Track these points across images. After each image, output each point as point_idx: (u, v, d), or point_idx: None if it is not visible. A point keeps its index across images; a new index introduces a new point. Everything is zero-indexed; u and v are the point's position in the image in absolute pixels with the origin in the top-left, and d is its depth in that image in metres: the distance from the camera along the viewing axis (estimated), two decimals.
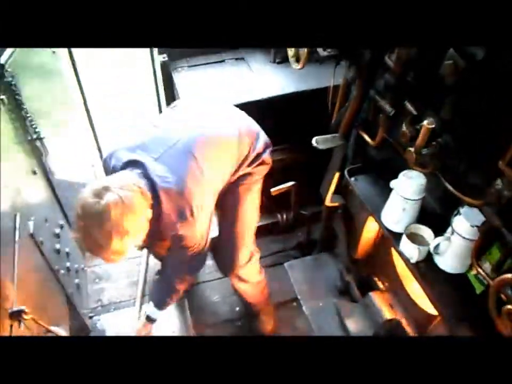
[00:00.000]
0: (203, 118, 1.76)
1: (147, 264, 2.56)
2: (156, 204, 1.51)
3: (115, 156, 1.62)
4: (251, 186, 1.90)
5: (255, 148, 1.80)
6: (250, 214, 1.96)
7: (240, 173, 1.81)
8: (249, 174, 1.85)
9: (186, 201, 1.54)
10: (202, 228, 1.67)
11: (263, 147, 1.84)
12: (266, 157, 1.86)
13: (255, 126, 1.86)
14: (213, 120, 1.77)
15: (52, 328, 1.57)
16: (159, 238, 1.74)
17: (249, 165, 1.81)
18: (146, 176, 1.51)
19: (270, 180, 2.36)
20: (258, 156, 1.83)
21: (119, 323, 2.32)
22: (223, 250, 2.03)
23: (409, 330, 2.06)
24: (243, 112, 1.88)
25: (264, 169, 1.90)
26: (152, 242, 2.02)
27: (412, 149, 1.39)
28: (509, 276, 0.95)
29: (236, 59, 2.67)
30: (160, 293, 1.97)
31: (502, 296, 0.99)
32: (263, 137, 1.86)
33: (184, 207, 1.55)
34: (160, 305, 1.95)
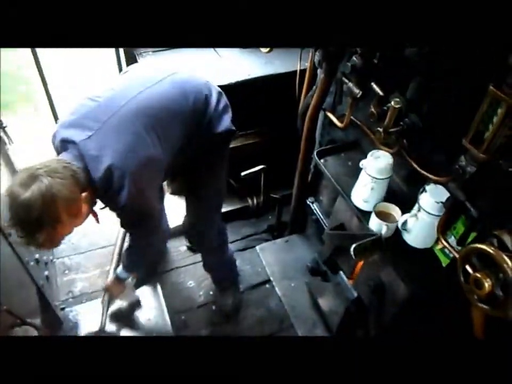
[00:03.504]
0: (145, 83, 1.58)
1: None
2: (93, 185, 1.45)
3: (56, 134, 1.52)
4: (216, 163, 1.87)
5: (208, 108, 1.69)
6: (216, 193, 1.97)
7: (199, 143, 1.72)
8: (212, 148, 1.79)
9: (120, 180, 1.44)
10: (147, 205, 1.61)
11: (218, 108, 1.73)
12: (225, 119, 1.75)
13: (204, 88, 1.70)
14: (157, 85, 1.59)
15: (26, 320, 1.54)
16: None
17: (205, 129, 1.71)
18: (81, 157, 1.43)
19: (239, 164, 2.38)
20: (215, 119, 1.72)
21: (91, 314, 2.30)
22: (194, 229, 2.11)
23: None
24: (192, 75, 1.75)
25: (225, 137, 1.79)
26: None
27: (380, 129, 1.43)
28: (475, 245, 1.01)
29: None
30: (129, 258, 1.98)
31: (467, 267, 1.05)
32: (217, 98, 1.74)
33: (117, 186, 1.45)
34: (129, 269, 2.01)
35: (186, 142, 1.66)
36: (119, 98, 1.52)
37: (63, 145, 1.48)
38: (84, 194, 1.44)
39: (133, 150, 1.46)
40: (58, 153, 1.51)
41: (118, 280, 2.06)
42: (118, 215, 1.64)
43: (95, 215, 1.63)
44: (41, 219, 1.33)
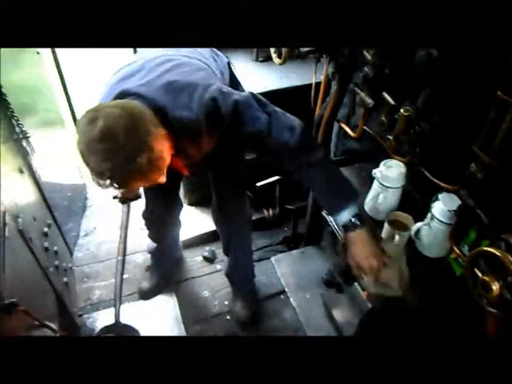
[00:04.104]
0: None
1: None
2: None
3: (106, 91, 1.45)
4: None
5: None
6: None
7: None
8: None
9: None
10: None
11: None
12: None
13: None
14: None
15: (44, 322, 1.58)
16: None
17: None
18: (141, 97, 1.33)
19: (255, 175, 2.42)
20: None
21: (108, 321, 2.34)
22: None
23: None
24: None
25: None
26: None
27: (391, 137, 1.45)
28: (482, 248, 1.01)
29: None
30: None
31: (476, 270, 1.05)
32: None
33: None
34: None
35: None
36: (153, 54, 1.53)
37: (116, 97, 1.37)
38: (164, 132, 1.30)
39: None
40: None
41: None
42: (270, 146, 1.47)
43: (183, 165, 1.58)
44: (129, 143, 1.18)
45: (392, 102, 1.49)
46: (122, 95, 1.36)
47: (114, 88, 1.41)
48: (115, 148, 1.17)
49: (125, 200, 1.88)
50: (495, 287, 0.97)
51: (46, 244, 2.02)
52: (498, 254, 0.95)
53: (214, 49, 1.81)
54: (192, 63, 1.51)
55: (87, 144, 1.18)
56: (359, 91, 1.68)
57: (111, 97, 1.37)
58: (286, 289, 2.53)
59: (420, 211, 1.64)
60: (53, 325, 1.74)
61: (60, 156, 2.69)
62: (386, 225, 1.66)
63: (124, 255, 2.02)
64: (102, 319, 2.34)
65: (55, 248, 2.14)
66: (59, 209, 2.47)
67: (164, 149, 1.30)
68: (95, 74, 4.07)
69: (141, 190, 1.94)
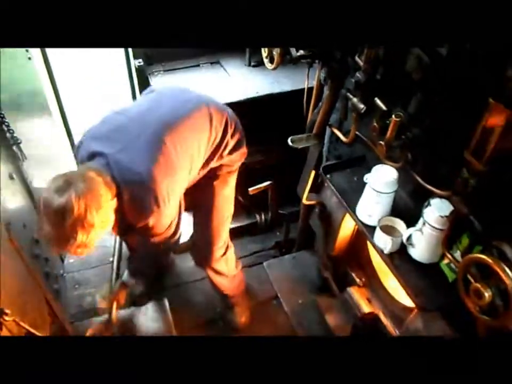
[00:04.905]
0: (173, 103, 1.73)
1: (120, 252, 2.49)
2: (119, 196, 1.50)
3: (83, 145, 1.61)
4: (226, 178, 1.94)
5: (227, 133, 1.79)
6: (226, 206, 2.02)
7: (214, 164, 1.83)
8: (223, 165, 1.87)
9: (151, 193, 1.53)
10: (170, 217, 1.70)
11: (235, 133, 1.84)
12: (240, 144, 1.88)
13: (225, 112, 1.82)
14: (184, 105, 1.73)
15: (33, 331, 1.56)
16: (127, 227, 1.71)
17: (222, 153, 1.81)
18: (109, 168, 1.49)
19: (247, 180, 2.41)
20: (232, 143, 1.83)
21: None
22: (199, 244, 2.10)
23: (387, 323, 2.12)
24: (214, 99, 1.86)
25: (238, 158, 1.91)
26: (122, 231, 1.96)
27: (383, 143, 1.45)
28: (474, 255, 1.01)
29: (211, 63, 2.72)
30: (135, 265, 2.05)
31: (469, 277, 1.05)
32: (235, 124, 1.84)
33: (148, 199, 1.53)
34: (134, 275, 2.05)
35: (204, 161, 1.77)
36: (147, 115, 1.63)
37: (90, 155, 1.54)
38: (114, 200, 1.49)
39: (163, 170, 1.54)
40: (82, 163, 1.57)
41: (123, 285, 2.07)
42: (140, 226, 1.66)
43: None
44: (76, 225, 1.36)
45: (384, 107, 1.50)
46: (94, 153, 1.53)
47: (89, 144, 1.58)
48: (59, 226, 1.36)
49: None
50: (487, 294, 0.97)
51: (36, 251, 2.00)
52: (490, 261, 0.95)
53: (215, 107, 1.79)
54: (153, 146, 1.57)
55: (45, 209, 1.36)
56: (351, 96, 1.69)
57: (86, 149, 1.56)
58: (279, 295, 2.52)
59: (412, 216, 1.64)
60: (43, 334, 1.72)
61: (50, 161, 2.66)
62: (378, 230, 1.66)
63: (118, 268, 2.05)
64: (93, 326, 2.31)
65: (46, 255, 2.12)
66: None
67: (103, 229, 1.48)
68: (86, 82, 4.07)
69: None
